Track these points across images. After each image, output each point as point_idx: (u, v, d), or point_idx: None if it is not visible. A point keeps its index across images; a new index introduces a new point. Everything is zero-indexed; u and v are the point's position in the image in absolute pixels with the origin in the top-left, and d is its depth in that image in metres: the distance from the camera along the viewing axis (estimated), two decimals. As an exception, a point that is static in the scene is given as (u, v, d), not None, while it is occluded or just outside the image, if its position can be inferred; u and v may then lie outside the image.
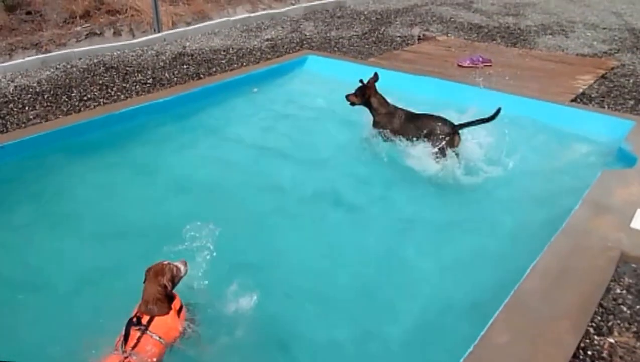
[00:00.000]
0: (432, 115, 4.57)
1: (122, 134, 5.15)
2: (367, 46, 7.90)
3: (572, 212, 3.52)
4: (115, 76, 6.59)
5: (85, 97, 5.96)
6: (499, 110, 4.14)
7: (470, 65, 6.78)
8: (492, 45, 7.98)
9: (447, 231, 3.78)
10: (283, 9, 9.74)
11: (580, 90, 5.97)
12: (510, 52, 7.53)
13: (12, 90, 6.05)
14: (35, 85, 6.20)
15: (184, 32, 8.23)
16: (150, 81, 6.48)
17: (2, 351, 2.50)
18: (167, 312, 2.43)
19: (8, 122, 5.30)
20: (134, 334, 2.33)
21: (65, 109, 5.65)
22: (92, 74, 6.60)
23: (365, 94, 4.77)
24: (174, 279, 2.51)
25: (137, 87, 6.31)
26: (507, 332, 2.51)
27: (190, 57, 7.36)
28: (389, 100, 4.78)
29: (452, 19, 9.64)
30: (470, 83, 5.63)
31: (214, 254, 3.02)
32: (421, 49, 7.66)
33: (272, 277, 3.26)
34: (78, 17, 7.83)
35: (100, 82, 6.39)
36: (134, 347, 2.28)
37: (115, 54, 7.30)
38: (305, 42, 8.08)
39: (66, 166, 4.58)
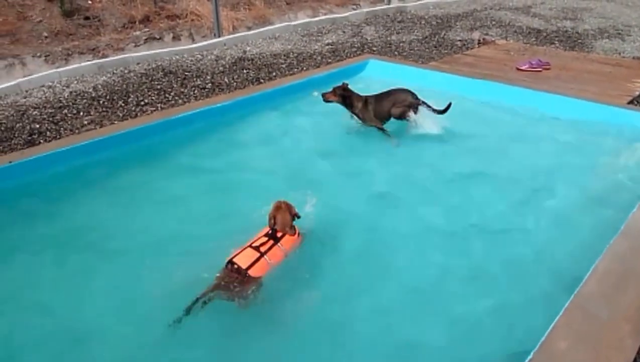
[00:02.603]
0: (396, 89, 5.03)
1: (182, 137, 4.91)
2: (427, 50, 7.73)
3: (631, 213, 3.48)
4: (173, 81, 6.26)
5: (142, 102, 5.63)
6: (449, 106, 4.68)
7: (529, 68, 6.70)
8: (550, 49, 7.94)
9: (502, 233, 3.63)
10: (344, 14, 9.33)
11: (637, 93, 5.91)
12: (568, 56, 7.54)
13: (67, 95, 5.78)
14: (91, 90, 5.91)
15: (244, 37, 7.88)
16: (209, 86, 6.17)
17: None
18: (294, 234, 3.11)
19: (62, 128, 5.00)
20: (269, 242, 2.95)
21: (121, 115, 5.33)
22: (149, 79, 6.28)
23: (342, 93, 4.95)
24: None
25: (196, 91, 6.01)
26: (568, 337, 2.48)
27: (250, 62, 7.00)
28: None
29: (511, 24, 9.57)
30: (530, 86, 5.80)
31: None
32: (481, 53, 7.62)
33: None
34: (137, 22, 7.59)
35: (158, 86, 6.06)
36: (266, 252, 2.89)
37: (174, 58, 6.99)
38: (366, 46, 7.85)
39: (130, 169, 4.36)
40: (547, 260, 3.35)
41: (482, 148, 4.83)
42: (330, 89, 4.97)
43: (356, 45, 7.82)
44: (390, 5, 10.05)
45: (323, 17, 9.06)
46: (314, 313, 2.97)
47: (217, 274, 2.81)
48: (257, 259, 2.85)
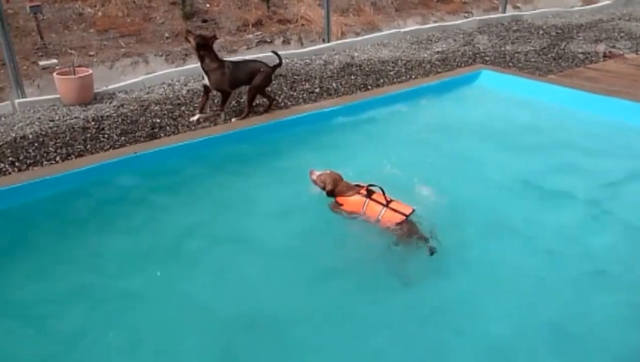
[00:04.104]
0: (254, 60, 5.54)
1: (290, 139, 4.99)
2: (545, 62, 7.26)
3: None
4: (283, 83, 6.34)
5: (254, 104, 5.71)
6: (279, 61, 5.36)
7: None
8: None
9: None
10: (456, 22, 9.00)
11: None
12: None
13: (185, 93, 6.04)
14: (206, 89, 6.13)
15: (352, 43, 7.85)
16: (317, 90, 6.17)
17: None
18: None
19: (179, 124, 5.21)
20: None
21: (233, 114, 5.46)
22: (260, 81, 6.40)
23: (200, 42, 4.99)
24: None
25: (304, 95, 6.03)
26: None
27: (358, 68, 6.94)
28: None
29: (643, 36, 8.69)
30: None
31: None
32: (607, 67, 7.05)
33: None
34: (250, 26, 7.82)
35: (268, 88, 6.13)
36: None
37: (284, 62, 7.07)
38: (478, 56, 7.50)
39: (236, 167, 4.46)
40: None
41: (612, 174, 4.32)
42: (194, 32, 5.21)
43: (467, 55, 7.50)
44: (505, 14, 9.53)
45: (433, 25, 8.80)
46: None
47: (404, 227, 3.33)
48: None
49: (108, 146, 4.73)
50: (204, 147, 4.64)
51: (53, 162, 4.47)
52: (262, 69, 5.28)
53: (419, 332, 2.84)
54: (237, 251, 3.44)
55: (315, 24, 7.92)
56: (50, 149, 4.71)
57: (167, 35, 7.41)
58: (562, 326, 2.85)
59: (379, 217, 3.39)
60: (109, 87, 6.05)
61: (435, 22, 9.02)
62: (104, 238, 3.51)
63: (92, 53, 6.78)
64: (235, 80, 5.23)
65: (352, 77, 6.58)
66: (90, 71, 5.80)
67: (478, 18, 9.21)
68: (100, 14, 7.57)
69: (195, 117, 5.29)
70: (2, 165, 4.45)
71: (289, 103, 5.78)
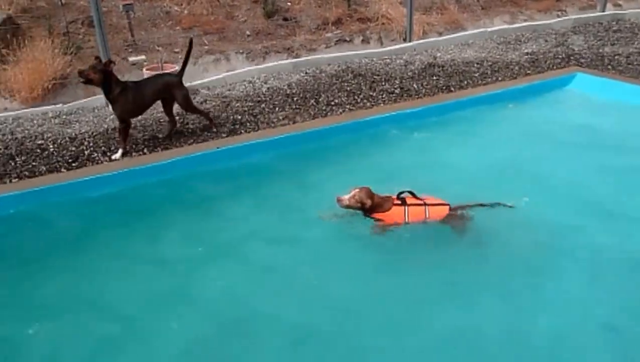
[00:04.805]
0: (157, 74, 5.04)
1: (367, 140, 4.92)
2: None
3: None
4: (362, 83, 6.22)
5: (333, 103, 5.67)
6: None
7: None
8: None
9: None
10: (547, 21, 8.47)
11: None
12: None
13: (265, 91, 6.07)
14: (285, 87, 6.14)
15: (435, 42, 7.58)
16: (397, 91, 6.01)
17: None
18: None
19: (259, 121, 5.24)
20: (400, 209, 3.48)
21: (312, 113, 5.42)
22: (339, 80, 6.33)
23: (103, 69, 4.33)
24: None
25: (384, 95, 5.89)
26: None
27: (440, 68, 6.68)
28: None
29: None
30: None
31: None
32: None
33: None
34: (330, 24, 7.75)
35: (348, 88, 6.07)
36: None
37: (363, 61, 6.97)
38: (572, 57, 7.00)
39: (315, 164, 4.52)
40: None
41: None
42: (89, 67, 4.33)
43: (560, 56, 7.02)
44: (604, 12, 8.84)
45: (522, 24, 8.32)
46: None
47: (456, 214, 3.51)
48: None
49: (192, 140, 4.84)
50: (285, 144, 4.66)
51: (141, 153, 4.63)
52: (172, 82, 4.71)
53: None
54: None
55: (397, 22, 7.72)
56: (139, 141, 4.88)
57: (248, 33, 7.50)
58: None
59: (427, 217, 3.46)
60: (193, 83, 6.19)
61: (525, 21, 8.52)
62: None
63: (177, 50, 6.99)
64: (142, 101, 4.61)
65: (434, 78, 6.35)
66: (176, 67, 5.96)
67: (573, 17, 8.61)
68: (185, 12, 7.79)
69: (119, 154, 4.54)
70: (95, 154, 4.67)
71: (368, 104, 5.65)
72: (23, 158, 4.60)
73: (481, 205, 3.58)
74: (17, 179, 4.26)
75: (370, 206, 3.40)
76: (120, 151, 4.55)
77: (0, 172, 4.39)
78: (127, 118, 4.57)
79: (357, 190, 3.40)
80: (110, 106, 4.53)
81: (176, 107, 4.93)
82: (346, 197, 3.40)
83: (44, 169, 4.42)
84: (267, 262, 3.31)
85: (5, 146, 4.83)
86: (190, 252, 3.39)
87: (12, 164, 4.53)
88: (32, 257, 3.39)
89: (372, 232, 3.44)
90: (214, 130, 4.95)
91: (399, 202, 3.46)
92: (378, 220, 3.45)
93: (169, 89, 4.69)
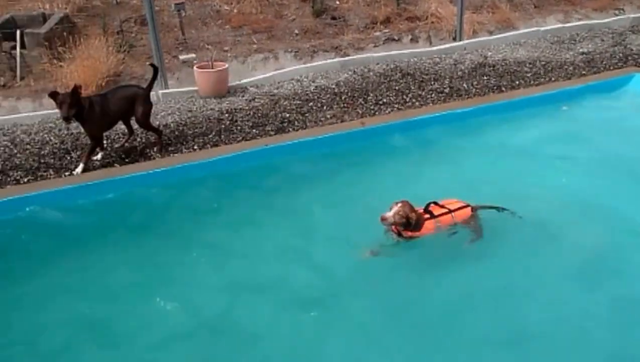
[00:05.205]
0: (123, 86, 5.09)
1: (417, 139, 4.87)
2: None
3: None
4: (411, 83, 6.15)
5: (381, 102, 5.63)
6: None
7: None
8: None
9: None
10: (604, 20, 8.14)
11: None
12: None
13: (313, 89, 6.08)
14: (333, 86, 6.13)
15: (485, 42, 7.41)
16: (447, 90, 5.92)
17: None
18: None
19: (307, 120, 5.25)
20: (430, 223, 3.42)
21: (360, 112, 5.40)
22: (388, 79, 6.27)
23: (78, 92, 4.21)
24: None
25: (433, 95, 5.81)
26: None
27: (491, 68, 6.53)
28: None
29: None
30: None
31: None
32: None
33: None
34: (378, 23, 7.70)
35: (396, 87, 6.01)
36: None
37: (412, 60, 6.89)
38: (630, 57, 6.75)
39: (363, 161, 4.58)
40: None
41: None
42: (62, 103, 4.10)
43: (617, 57, 6.75)
44: (666, 11, 8.45)
45: (577, 23, 8.03)
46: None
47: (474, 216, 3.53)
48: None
49: (240, 138, 4.89)
50: (333, 143, 4.69)
51: (191, 150, 4.72)
52: (139, 94, 4.61)
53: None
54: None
55: (446, 21, 7.59)
56: (189, 138, 4.98)
57: (296, 32, 7.54)
58: None
59: (455, 222, 3.44)
60: (242, 81, 6.27)
61: (580, 19, 8.22)
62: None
63: (226, 48, 7.09)
64: (108, 115, 4.49)
65: (485, 78, 6.21)
66: (226, 65, 6.05)
67: (632, 16, 8.24)
68: (235, 11, 7.90)
69: (79, 169, 4.40)
70: (148, 150, 4.80)
71: (417, 103, 5.58)
72: (78, 153, 4.77)
73: (495, 208, 3.60)
74: (67, 173, 4.45)
75: (417, 219, 3.25)
76: (81, 166, 4.40)
77: (57, 166, 4.58)
78: (96, 134, 4.49)
79: (400, 205, 3.22)
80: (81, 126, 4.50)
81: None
82: (390, 214, 3.19)
83: (98, 164, 4.61)
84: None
85: (61, 141, 5.03)
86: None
87: (68, 158, 4.72)
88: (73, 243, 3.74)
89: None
90: (157, 151, 4.72)
91: (428, 216, 3.38)
92: (411, 238, 3.33)
93: (134, 100, 4.57)
